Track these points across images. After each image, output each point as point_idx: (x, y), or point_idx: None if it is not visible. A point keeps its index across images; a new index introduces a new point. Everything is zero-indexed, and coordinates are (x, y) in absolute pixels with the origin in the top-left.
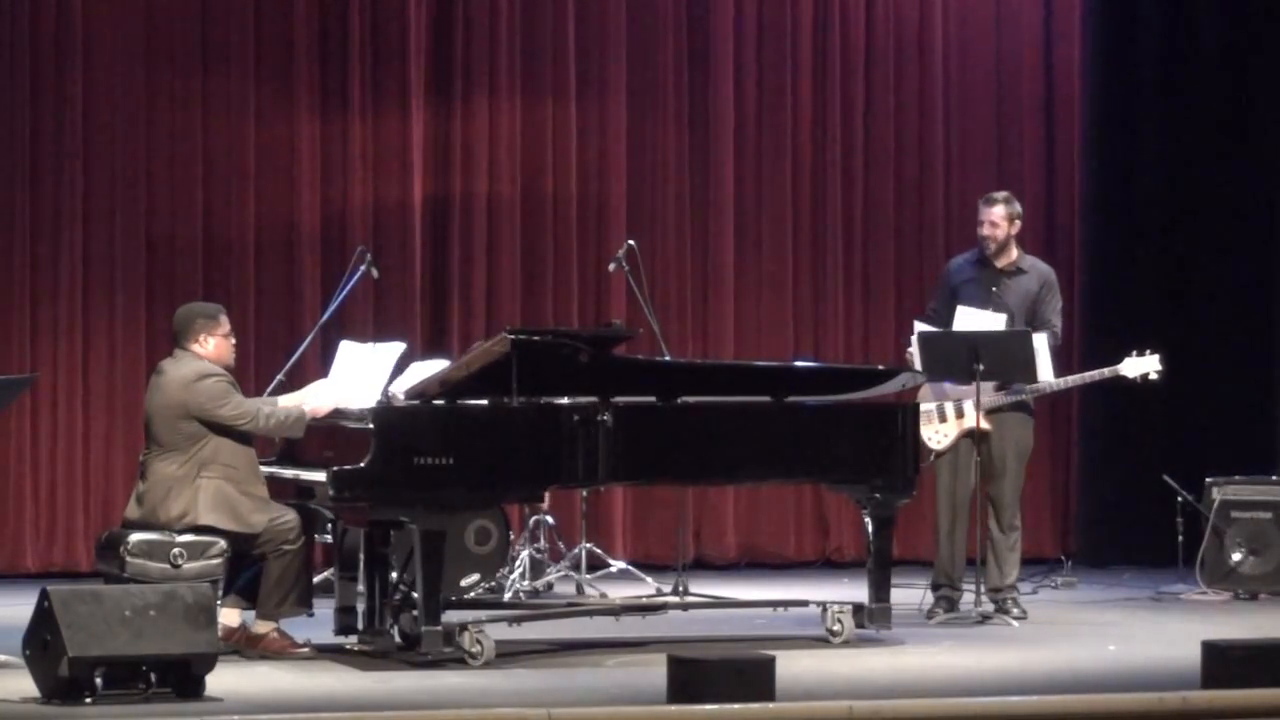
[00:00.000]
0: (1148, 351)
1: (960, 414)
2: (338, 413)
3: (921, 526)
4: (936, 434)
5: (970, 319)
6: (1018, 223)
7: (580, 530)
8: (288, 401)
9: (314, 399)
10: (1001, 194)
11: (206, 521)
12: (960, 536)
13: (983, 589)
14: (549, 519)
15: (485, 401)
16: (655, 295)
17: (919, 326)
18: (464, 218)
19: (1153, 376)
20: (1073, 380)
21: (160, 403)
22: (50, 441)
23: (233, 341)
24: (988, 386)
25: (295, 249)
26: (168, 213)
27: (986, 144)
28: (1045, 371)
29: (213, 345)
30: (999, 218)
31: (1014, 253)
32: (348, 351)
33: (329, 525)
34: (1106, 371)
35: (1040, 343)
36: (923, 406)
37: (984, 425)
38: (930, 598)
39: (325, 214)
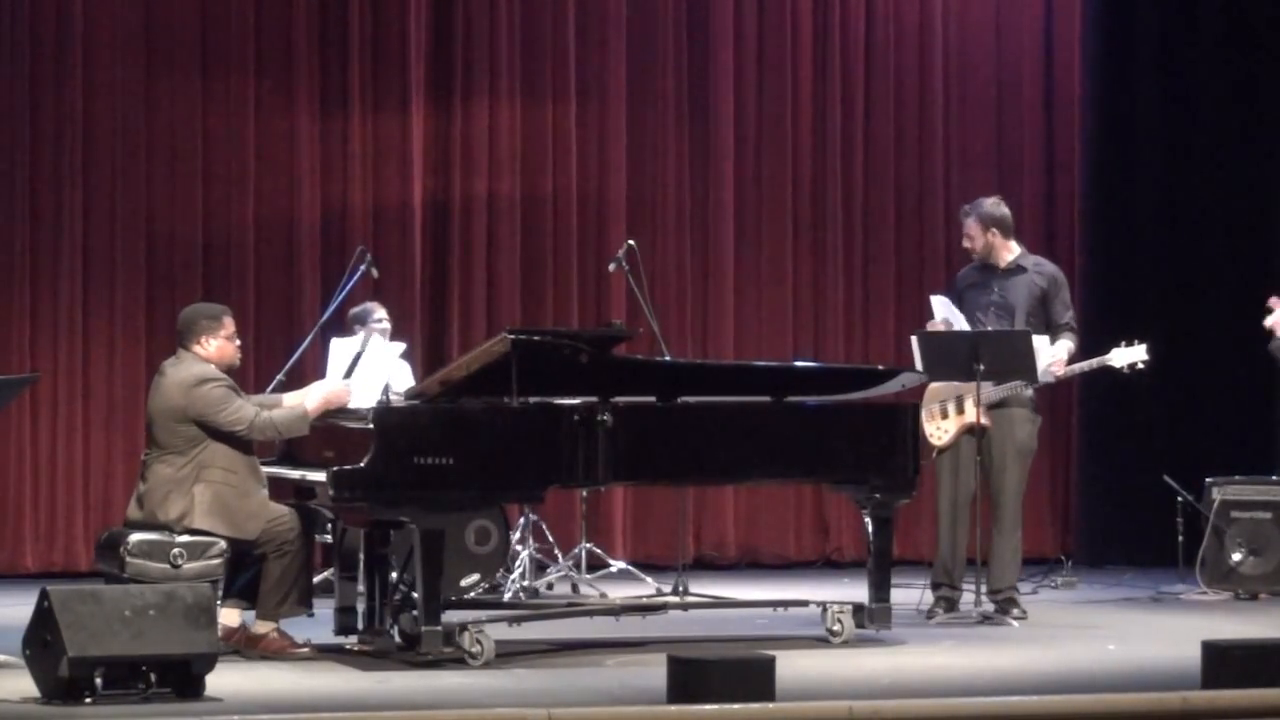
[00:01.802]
0: (1135, 341)
1: (961, 410)
2: (339, 412)
3: (921, 526)
4: (938, 430)
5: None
6: (995, 230)
7: (580, 530)
8: (291, 400)
9: (319, 394)
10: (968, 206)
11: (201, 526)
12: (961, 535)
13: (983, 589)
14: (532, 517)
15: (485, 401)
16: (655, 295)
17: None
18: (464, 218)
19: (1140, 366)
20: (1064, 373)
21: (159, 405)
22: (50, 441)
23: (236, 343)
24: (985, 382)
25: (295, 249)
26: (168, 212)
27: (986, 144)
28: (1043, 372)
29: (214, 347)
30: (971, 229)
31: (1014, 252)
32: (339, 348)
33: (329, 525)
34: (1095, 362)
35: (1042, 343)
36: (924, 408)
37: (984, 421)
38: (930, 597)
39: (325, 214)
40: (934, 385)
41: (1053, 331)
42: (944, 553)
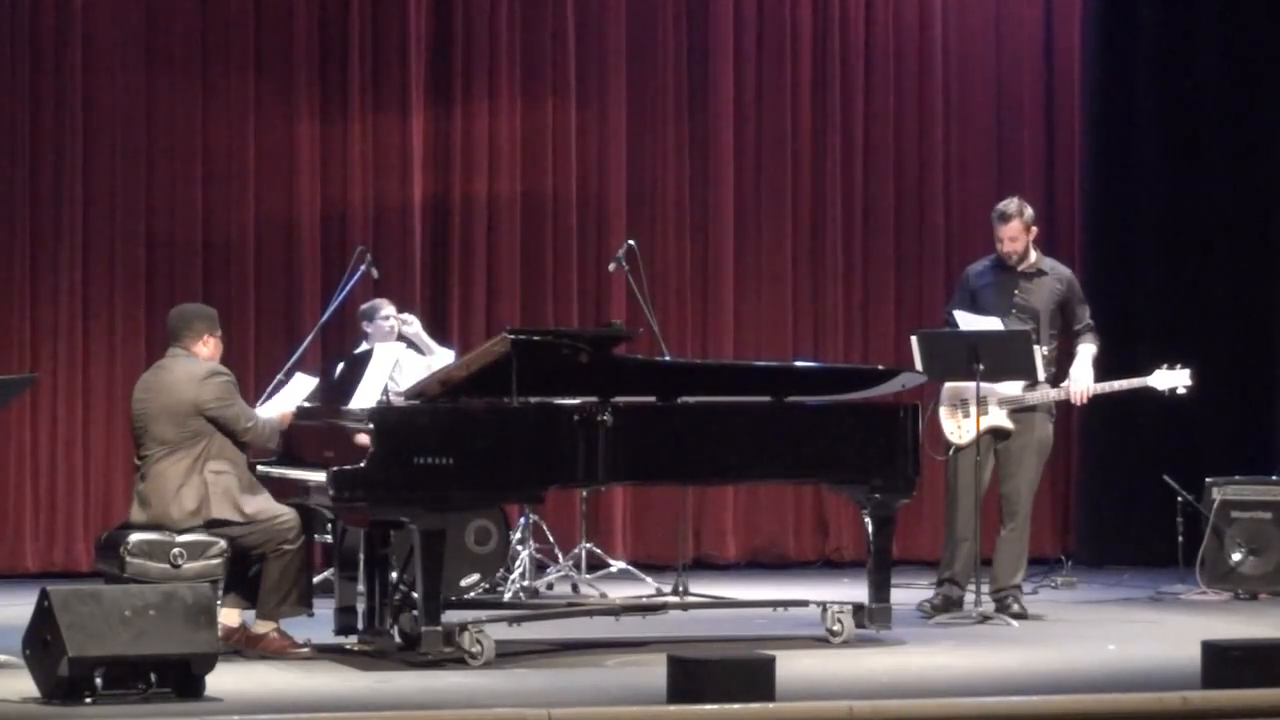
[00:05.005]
0: (1179, 365)
1: (985, 410)
2: (338, 412)
3: (921, 526)
4: (959, 428)
5: (969, 323)
6: (1033, 229)
7: (580, 530)
8: (268, 414)
9: (280, 410)
10: (1013, 205)
11: (220, 515)
12: (972, 533)
13: (984, 588)
14: (532, 517)
15: (485, 401)
16: (655, 295)
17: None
18: (464, 218)
19: (1181, 391)
20: (1101, 388)
21: (165, 401)
22: (50, 441)
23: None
24: (1016, 385)
25: (295, 249)
26: (168, 213)
27: (986, 144)
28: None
29: (213, 346)
30: (1017, 232)
31: (1032, 255)
32: (301, 384)
33: (329, 525)
34: (1136, 382)
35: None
36: (945, 403)
37: (1008, 424)
38: (933, 593)
39: (325, 214)
40: (953, 383)
41: (1076, 334)
42: (953, 549)
